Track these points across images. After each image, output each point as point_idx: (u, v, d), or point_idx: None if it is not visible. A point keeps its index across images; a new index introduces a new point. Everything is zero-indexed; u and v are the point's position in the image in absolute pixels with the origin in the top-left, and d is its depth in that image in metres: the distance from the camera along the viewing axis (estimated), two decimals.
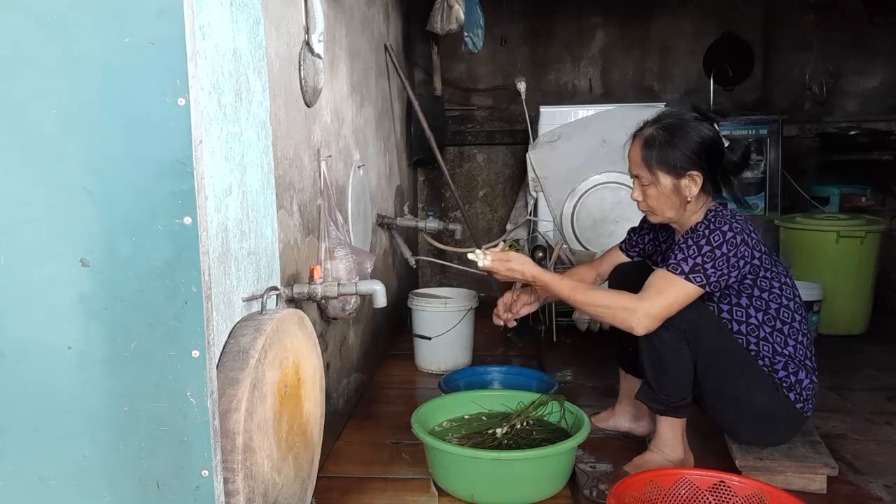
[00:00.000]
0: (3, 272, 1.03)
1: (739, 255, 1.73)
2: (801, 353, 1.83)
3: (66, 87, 1.00)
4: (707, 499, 1.61)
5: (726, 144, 1.84)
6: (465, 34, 3.44)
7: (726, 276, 1.74)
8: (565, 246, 3.18)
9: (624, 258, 2.17)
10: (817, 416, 2.18)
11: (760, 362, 1.81)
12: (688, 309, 1.76)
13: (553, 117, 3.43)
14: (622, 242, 2.19)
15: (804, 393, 1.82)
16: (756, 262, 1.77)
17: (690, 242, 1.75)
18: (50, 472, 1.08)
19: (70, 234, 1.02)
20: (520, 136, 3.97)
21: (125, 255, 1.02)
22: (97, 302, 1.03)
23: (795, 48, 4.01)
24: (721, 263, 1.72)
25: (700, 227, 1.77)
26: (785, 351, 1.81)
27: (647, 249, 2.12)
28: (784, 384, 1.80)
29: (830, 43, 3.95)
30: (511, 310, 2.13)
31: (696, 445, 1.94)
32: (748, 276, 1.78)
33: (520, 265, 1.92)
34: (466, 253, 2.03)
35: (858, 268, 3.16)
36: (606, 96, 4.10)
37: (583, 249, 3.23)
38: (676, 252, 1.76)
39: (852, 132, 3.82)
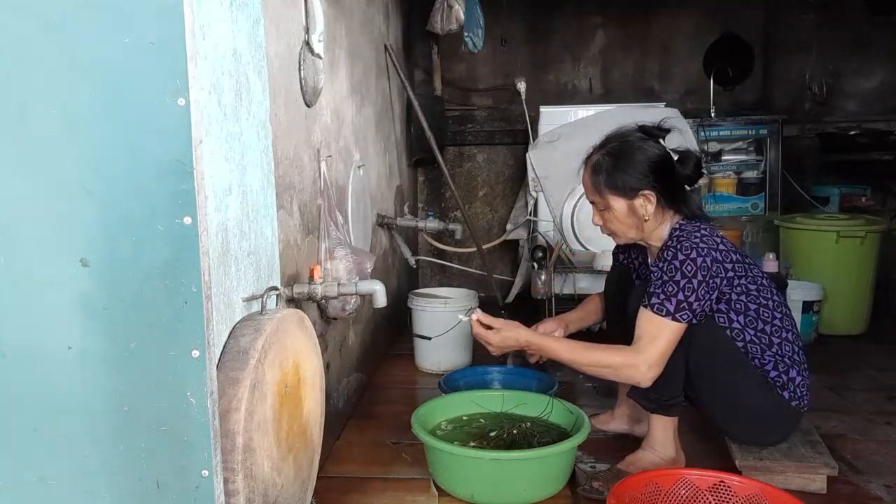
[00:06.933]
0: (3, 272, 1.03)
1: (714, 275, 1.73)
2: (787, 349, 1.83)
3: (66, 87, 1.00)
4: (707, 499, 1.61)
5: (676, 158, 1.84)
6: (465, 34, 3.44)
7: (709, 301, 1.74)
8: (565, 246, 3.18)
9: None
10: (817, 416, 2.19)
11: (751, 364, 1.81)
12: None
13: (553, 117, 3.42)
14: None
15: (798, 391, 1.82)
16: (731, 273, 1.77)
17: (666, 278, 1.74)
18: (50, 472, 1.08)
19: (70, 234, 1.02)
20: (520, 136, 3.96)
21: (125, 255, 1.02)
22: (97, 302, 1.03)
23: (795, 48, 4.00)
24: (702, 292, 1.72)
25: (668, 254, 1.76)
26: (771, 350, 1.81)
27: (628, 265, 2.12)
28: (777, 383, 1.81)
29: (830, 43, 3.95)
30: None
31: (697, 445, 1.93)
32: (724, 286, 1.78)
33: (513, 332, 1.92)
34: (458, 313, 2.08)
35: (858, 268, 3.16)
36: (606, 96, 4.10)
37: (582, 249, 3.22)
38: (656, 288, 1.75)
39: (852, 132, 3.81)
